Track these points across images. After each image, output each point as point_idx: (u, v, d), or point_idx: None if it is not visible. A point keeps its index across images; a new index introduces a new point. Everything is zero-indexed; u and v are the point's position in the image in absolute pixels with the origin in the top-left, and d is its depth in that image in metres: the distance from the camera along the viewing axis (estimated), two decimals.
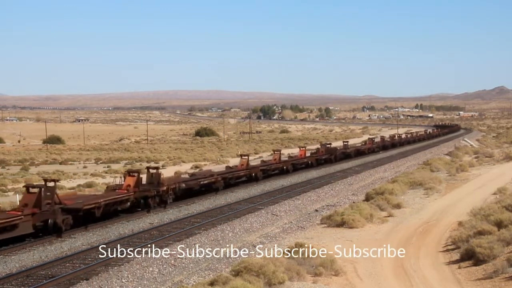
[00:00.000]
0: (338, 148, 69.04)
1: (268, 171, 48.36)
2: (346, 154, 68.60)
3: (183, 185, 35.17)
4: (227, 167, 46.30)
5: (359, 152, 72.98)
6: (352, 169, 55.78)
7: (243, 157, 45.91)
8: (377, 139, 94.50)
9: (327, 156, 62.02)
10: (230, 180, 41.50)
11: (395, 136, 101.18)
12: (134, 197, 30.78)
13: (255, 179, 44.60)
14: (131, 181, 31.14)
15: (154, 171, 33.07)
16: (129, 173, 32.07)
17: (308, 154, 60.96)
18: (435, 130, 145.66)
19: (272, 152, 55.71)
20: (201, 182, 37.42)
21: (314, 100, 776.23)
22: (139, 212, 31.11)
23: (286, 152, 78.15)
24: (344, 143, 74.64)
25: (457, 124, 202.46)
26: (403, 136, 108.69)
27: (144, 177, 32.64)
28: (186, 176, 41.46)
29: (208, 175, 39.64)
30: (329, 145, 65.16)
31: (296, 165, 54.04)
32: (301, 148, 60.30)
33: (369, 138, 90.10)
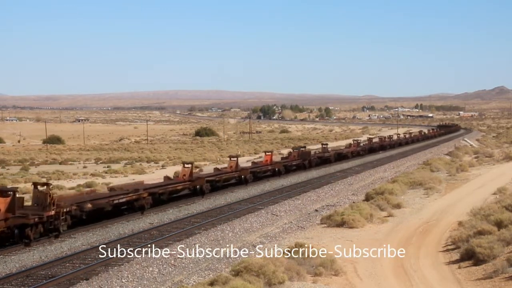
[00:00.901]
0: (316, 152, 62.91)
1: (217, 183, 39.94)
2: (324, 159, 60.98)
3: (89, 205, 27.25)
4: (165, 177, 37.91)
5: (340, 156, 65.45)
6: (352, 169, 55.75)
7: (186, 166, 37.74)
8: (373, 140, 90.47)
9: (299, 162, 54.17)
10: (162, 195, 33.60)
11: (385, 138, 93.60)
12: (6, 226, 22.84)
13: (200, 193, 36.68)
14: (1, 203, 23.16)
15: (44, 188, 24.79)
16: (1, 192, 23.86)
17: (279, 159, 55.93)
18: (431, 131, 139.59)
19: (228, 158, 45.73)
20: (115, 201, 29.22)
21: (314, 100, 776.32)
22: (135, 214, 30.66)
23: (281, 153, 78.05)
24: (323, 145, 67.35)
25: (456, 124, 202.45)
26: (395, 137, 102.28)
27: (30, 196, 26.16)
28: (106, 191, 33.98)
29: (131, 190, 31.07)
30: (303, 149, 57.12)
31: (257, 174, 45.32)
32: (266, 153, 51.12)
33: (353, 140, 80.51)
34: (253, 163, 51.50)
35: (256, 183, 43.69)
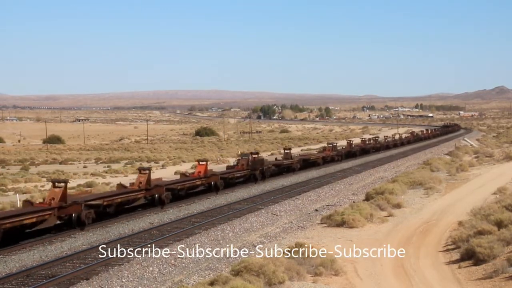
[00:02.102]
0: (275, 160, 53.85)
1: (180, 191, 34.98)
2: (283, 167, 50.55)
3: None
4: (119, 185, 33.11)
5: (308, 163, 55.52)
6: (352, 169, 55.78)
7: (143, 172, 32.44)
8: (354, 143, 79.42)
9: (248, 173, 43.21)
10: (108, 207, 28.89)
11: (368, 141, 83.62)
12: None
13: (159, 204, 32.32)
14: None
15: None
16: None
17: (222, 168, 46.37)
18: (425, 132, 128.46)
19: (196, 163, 40.09)
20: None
21: (314, 100, 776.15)
22: (139, 212, 30.99)
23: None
24: (286, 151, 55.13)
25: (457, 124, 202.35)
26: (383, 139, 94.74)
27: None
28: None
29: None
30: (255, 156, 45.22)
31: (177, 192, 34.89)
32: (200, 163, 39.28)
33: (328, 144, 71.41)
34: (182, 175, 38.98)
35: (230, 190, 39.42)
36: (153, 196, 32.30)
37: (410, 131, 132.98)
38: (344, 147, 70.95)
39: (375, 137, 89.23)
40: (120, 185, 32.74)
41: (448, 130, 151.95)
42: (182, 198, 35.18)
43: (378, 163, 62.67)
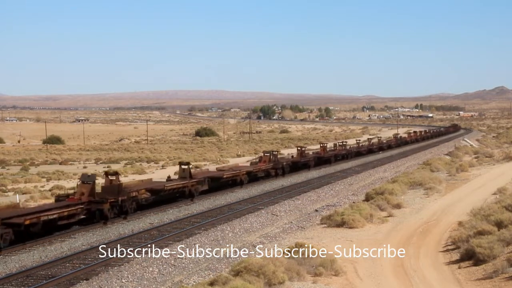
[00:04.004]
0: (209, 171, 44.42)
1: None
2: (224, 182, 40.04)
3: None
4: (58, 197, 29.40)
5: (251, 177, 43.98)
6: (352, 169, 55.71)
7: (87, 183, 28.16)
8: (333, 146, 70.08)
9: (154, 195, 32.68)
10: (33, 227, 24.03)
11: (340, 146, 69.81)
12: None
13: (102, 219, 27.79)
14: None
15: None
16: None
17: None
18: (412, 134, 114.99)
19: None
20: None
21: (314, 100, 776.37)
22: (138, 213, 30.92)
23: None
24: (219, 170, 43.68)
25: (456, 124, 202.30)
26: (364, 142, 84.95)
27: None
28: None
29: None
30: (185, 166, 37.05)
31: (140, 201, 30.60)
32: (82, 183, 28.49)
33: (298, 148, 59.44)
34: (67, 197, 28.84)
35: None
36: (93, 211, 27.39)
37: (393, 134, 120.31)
38: (294, 156, 57.83)
39: (341, 143, 72.67)
40: (59, 197, 28.89)
41: (440, 132, 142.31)
42: (145, 207, 31.77)
43: (386, 160, 62.73)
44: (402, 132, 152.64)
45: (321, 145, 66.28)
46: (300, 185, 43.12)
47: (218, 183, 39.71)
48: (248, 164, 53.63)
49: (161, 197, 33.20)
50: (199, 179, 36.95)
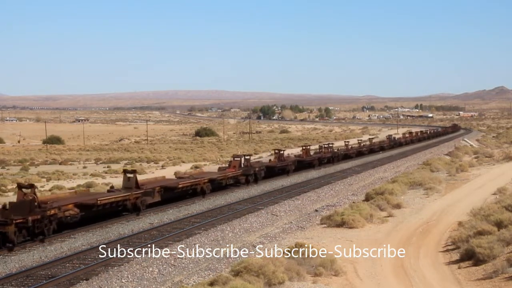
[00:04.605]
0: (165, 179, 37.88)
1: None
2: (181, 192, 35.17)
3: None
4: None
5: (219, 186, 39.10)
6: (352, 169, 55.68)
7: (23, 189, 24.60)
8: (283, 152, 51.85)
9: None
10: None
11: (329, 147, 63.92)
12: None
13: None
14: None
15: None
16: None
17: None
18: (407, 135, 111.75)
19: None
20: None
21: (314, 100, 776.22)
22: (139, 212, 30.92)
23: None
24: (178, 178, 39.09)
25: (456, 124, 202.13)
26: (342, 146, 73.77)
27: None
28: None
29: None
30: (130, 174, 31.74)
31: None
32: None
33: (233, 157, 44.88)
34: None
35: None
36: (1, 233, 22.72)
37: (387, 135, 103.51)
38: (245, 163, 43.63)
39: (327, 144, 65.49)
40: None
41: (438, 133, 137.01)
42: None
43: (386, 160, 62.51)
44: (402, 132, 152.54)
45: (303, 147, 59.77)
46: (273, 193, 38.28)
47: (173, 193, 34.63)
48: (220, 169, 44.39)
49: (94, 213, 27.99)
50: (146, 189, 31.66)
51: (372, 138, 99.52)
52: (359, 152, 73.20)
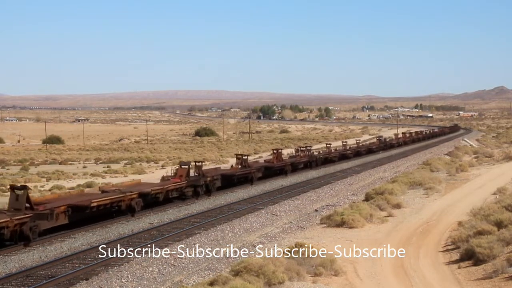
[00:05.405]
0: (71, 195, 29.57)
1: None
2: (98, 212, 27.91)
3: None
4: None
5: (155, 201, 32.26)
6: (352, 169, 55.66)
7: None
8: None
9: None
10: None
11: (306, 150, 57.72)
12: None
13: None
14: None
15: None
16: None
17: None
18: (401, 136, 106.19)
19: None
20: None
21: (314, 100, 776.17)
22: (138, 213, 30.92)
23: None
24: (103, 192, 30.65)
25: (456, 124, 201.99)
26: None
27: None
28: None
29: None
30: (19, 191, 24.40)
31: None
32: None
33: (180, 164, 37.96)
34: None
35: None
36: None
37: (378, 136, 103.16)
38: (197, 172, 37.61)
39: (304, 147, 59.13)
40: None
41: (434, 133, 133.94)
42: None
43: (386, 160, 62.50)
44: (401, 132, 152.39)
45: (274, 151, 51.97)
46: (273, 193, 36.59)
47: (84, 214, 27.23)
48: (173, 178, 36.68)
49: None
50: (41, 211, 24.23)
51: (359, 140, 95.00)
52: (343, 155, 66.42)
